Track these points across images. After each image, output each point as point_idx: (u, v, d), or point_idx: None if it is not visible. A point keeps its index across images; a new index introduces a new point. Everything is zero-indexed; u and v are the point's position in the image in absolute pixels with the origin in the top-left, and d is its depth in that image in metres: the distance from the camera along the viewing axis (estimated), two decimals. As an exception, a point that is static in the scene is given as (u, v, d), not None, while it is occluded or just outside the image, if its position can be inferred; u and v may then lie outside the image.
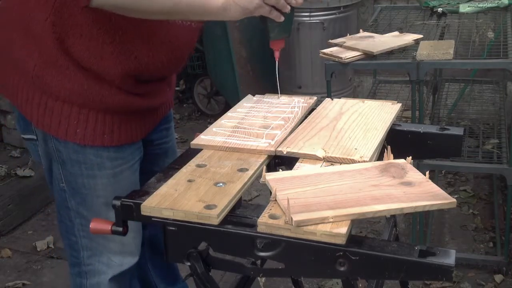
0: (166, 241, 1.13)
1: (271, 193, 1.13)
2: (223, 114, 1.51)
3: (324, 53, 2.31)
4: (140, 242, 1.58)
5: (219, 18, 1.34)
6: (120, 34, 1.34)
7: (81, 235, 1.52)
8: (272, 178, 1.18)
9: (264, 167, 1.22)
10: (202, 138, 1.37)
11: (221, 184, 1.17)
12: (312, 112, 1.51)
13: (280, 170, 1.27)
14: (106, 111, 1.41)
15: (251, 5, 1.31)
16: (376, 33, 2.53)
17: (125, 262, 1.55)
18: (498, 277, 2.45)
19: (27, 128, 1.46)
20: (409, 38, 2.40)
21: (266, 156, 1.29)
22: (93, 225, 1.20)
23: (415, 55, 2.21)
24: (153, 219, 1.11)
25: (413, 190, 1.11)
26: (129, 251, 1.55)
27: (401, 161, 1.23)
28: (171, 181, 1.19)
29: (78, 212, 1.49)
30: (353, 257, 1.00)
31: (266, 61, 4.05)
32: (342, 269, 1.02)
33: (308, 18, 3.74)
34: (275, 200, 1.10)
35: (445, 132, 1.46)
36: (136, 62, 1.38)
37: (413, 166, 1.21)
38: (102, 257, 1.53)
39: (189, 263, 1.12)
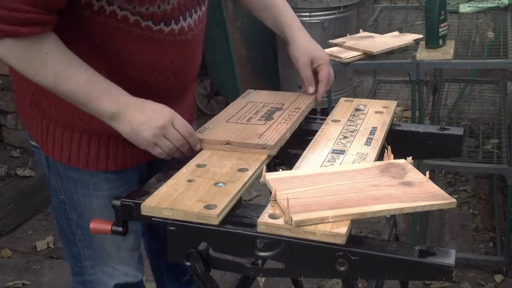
0: (166, 241, 1.13)
1: (271, 193, 1.13)
2: (223, 114, 1.51)
3: (324, 53, 2.30)
4: (138, 258, 1.56)
5: (107, 121, 1.25)
6: (106, 58, 1.27)
7: (83, 246, 1.49)
8: (272, 178, 1.17)
9: (264, 167, 1.22)
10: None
11: (221, 184, 1.17)
12: None
13: (280, 170, 1.27)
14: (110, 136, 1.35)
15: (144, 139, 1.24)
16: (376, 33, 2.53)
17: (129, 272, 1.52)
18: (498, 277, 2.45)
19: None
20: (409, 38, 2.40)
21: (266, 156, 1.29)
22: (93, 225, 1.20)
23: (415, 55, 2.21)
24: (153, 219, 1.11)
25: (413, 190, 1.11)
26: (132, 264, 1.53)
27: (401, 161, 1.23)
28: (171, 181, 1.19)
29: (79, 224, 1.46)
30: (353, 257, 1.00)
31: (266, 61, 4.06)
32: (342, 269, 1.02)
33: (308, 18, 3.74)
34: (275, 200, 1.10)
35: (445, 132, 1.46)
36: (129, 85, 1.27)
37: (413, 166, 1.21)
38: (106, 267, 1.50)
39: (189, 263, 1.12)
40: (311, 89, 1.50)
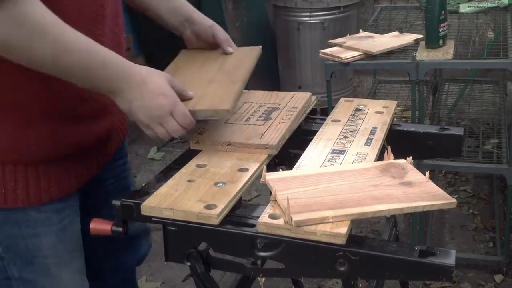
0: (166, 241, 1.13)
1: (271, 193, 1.13)
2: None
3: (324, 53, 2.30)
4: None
5: (106, 93, 1.15)
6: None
7: None
8: (272, 178, 1.17)
9: (264, 167, 1.22)
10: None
11: (221, 184, 1.17)
12: None
13: (280, 170, 1.27)
14: (48, 160, 1.19)
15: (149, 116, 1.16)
16: (376, 33, 2.53)
17: None
18: (498, 277, 2.45)
19: None
20: (409, 38, 2.40)
21: (266, 156, 1.29)
22: (93, 225, 1.20)
23: (415, 55, 2.21)
24: (153, 219, 1.11)
25: (413, 190, 1.11)
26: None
27: (401, 161, 1.23)
28: (171, 181, 1.19)
29: (22, 278, 1.24)
30: (353, 257, 1.00)
31: (266, 61, 4.06)
32: (342, 269, 1.02)
33: (308, 18, 3.74)
34: (275, 200, 1.10)
35: (445, 132, 1.46)
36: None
37: (413, 166, 1.21)
38: None
39: (189, 263, 1.12)
40: (230, 49, 1.48)
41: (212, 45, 1.50)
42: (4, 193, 1.17)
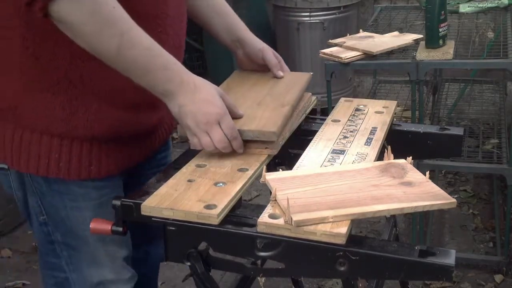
0: (166, 241, 1.13)
1: (271, 193, 1.13)
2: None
3: (324, 53, 2.30)
4: (130, 267, 1.44)
5: (157, 95, 1.20)
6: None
7: (70, 269, 1.37)
8: (272, 178, 1.17)
9: (264, 167, 1.22)
10: None
11: (221, 184, 1.17)
12: None
13: (280, 170, 1.27)
14: (93, 139, 1.26)
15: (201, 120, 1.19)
16: (376, 33, 2.53)
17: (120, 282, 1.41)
18: (498, 277, 2.45)
19: None
20: (409, 38, 2.40)
21: (266, 156, 1.29)
22: (93, 225, 1.20)
23: (415, 55, 2.21)
24: (153, 219, 1.11)
25: (413, 190, 1.11)
26: (124, 270, 1.41)
27: (401, 161, 1.23)
28: (171, 181, 1.19)
29: (65, 243, 1.34)
30: (353, 257, 1.00)
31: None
32: (342, 269, 1.02)
33: (308, 18, 3.74)
34: (275, 200, 1.10)
35: (445, 132, 1.46)
36: None
37: (413, 166, 1.21)
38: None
39: (189, 263, 1.12)
40: (280, 73, 1.51)
41: (263, 67, 1.53)
42: (48, 163, 1.25)
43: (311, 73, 1.57)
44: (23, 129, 1.24)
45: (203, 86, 1.22)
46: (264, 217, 1.06)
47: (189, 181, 1.19)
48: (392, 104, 1.56)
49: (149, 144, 1.42)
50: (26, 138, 1.24)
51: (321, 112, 3.28)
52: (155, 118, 1.38)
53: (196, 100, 1.19)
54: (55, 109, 1.21)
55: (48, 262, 1.40)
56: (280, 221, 1.04)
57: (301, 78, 1.54)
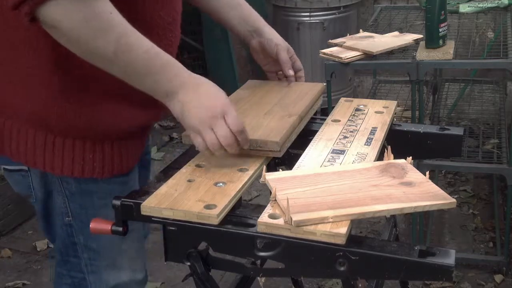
0: (166, 241, 1.13)
1: (271, 193, 1.13)
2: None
3: (324, 53, 2.31)
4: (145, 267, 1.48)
5: (160, 99, 1.19)
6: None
7: (88, 271, 1.39)
8: (272, 178, 1.17)
9: (264, 167, 1.22)
10: None
11: (221, 184, 1.17)
12: None
13: (280, 170, 1.27)
14: (117, 138, 1.29)
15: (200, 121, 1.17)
16: (376, 33, 2.53)
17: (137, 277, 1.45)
18: (498, 277, 2.45)
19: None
20: (409, 38, 2.40)
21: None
22: (93, 225, 1.20)
23: (415, 55, 2.21)
24: (153, 219, 1.11)
25: (413, 190, 1.11)
26: (139, 272, 1.45)
27: (401, 161, 1.23)
28: (171, 181, 1.19)
29: (87, 246, 1.36)
30: (353, 257, 1.00)
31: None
32: (342, 269, 1.02)
33: (308, 18, 3.74)
34: (275, 200, 1.10)
35: (445, 132, 1.46)
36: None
37: (413, 166, 1.21)
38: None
39: (189, 263, 1.12)
40: (291, 72, 1.51)
41: (275, 64, 1.52)
42: (83, 164, 1.26)
43: (324, 84, 1.58)
44: (55, 135, 1.24)
45: (206, 83, 1.21)
46: (264, 217, 1.06)
47: (189, 181, 1.19)
48: (392, 104, 1.56)
49: (148, 135, 1.46)
50: (59, 143, 1.25)
51: (321, 112, 3.27)
52: (158, 112, 1.38)
53: (199, 95, 1.17)
54: (81, 117, 1.22)
55: (67, 262, 1.40)
56: (280, 221, 1.04)
57: (313, 88, 1.54)
